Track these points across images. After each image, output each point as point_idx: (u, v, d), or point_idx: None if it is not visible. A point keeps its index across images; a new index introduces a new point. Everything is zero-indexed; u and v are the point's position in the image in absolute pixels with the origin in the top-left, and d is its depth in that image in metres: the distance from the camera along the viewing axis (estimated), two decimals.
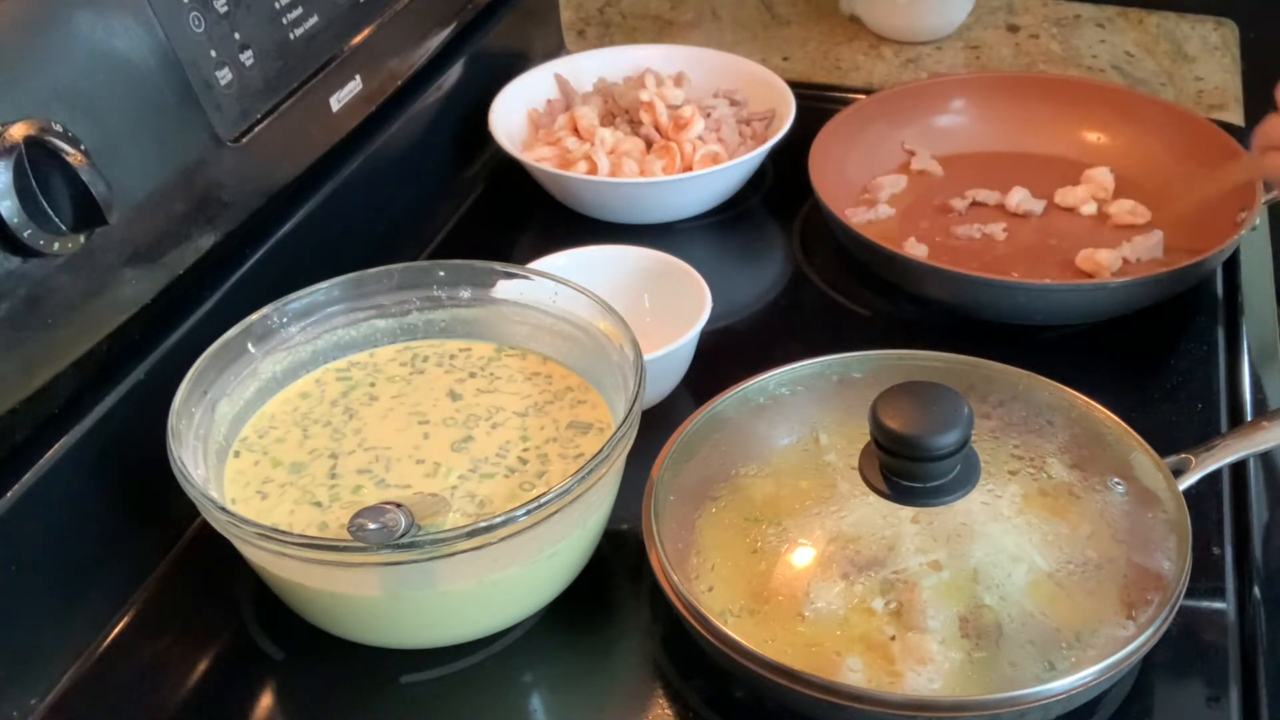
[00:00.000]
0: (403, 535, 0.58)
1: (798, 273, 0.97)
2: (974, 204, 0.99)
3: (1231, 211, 0.89)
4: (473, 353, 0.77)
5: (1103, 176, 0.99)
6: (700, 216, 1.02)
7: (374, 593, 0.63)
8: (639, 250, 0.88)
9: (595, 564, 0.70)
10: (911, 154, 1.04)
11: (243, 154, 0.77)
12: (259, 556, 0.64)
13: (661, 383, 0.80)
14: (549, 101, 1.10)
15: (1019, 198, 0.99)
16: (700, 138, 1.01)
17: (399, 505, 0.59)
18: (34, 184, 0.60)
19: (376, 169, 0.93)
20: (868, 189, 1.01)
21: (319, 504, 0.67)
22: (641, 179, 0.98)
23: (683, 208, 1.01)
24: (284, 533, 0.61)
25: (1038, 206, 0.98)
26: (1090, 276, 0.90)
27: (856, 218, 0.96)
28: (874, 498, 0.64)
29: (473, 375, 0.75)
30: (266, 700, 0.67)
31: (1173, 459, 0.68)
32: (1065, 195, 0.99)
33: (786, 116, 1.02)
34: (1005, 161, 1.03)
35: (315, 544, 0.60)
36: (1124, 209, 0.97)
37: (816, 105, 1.05)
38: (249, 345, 0.72)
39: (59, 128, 0.62)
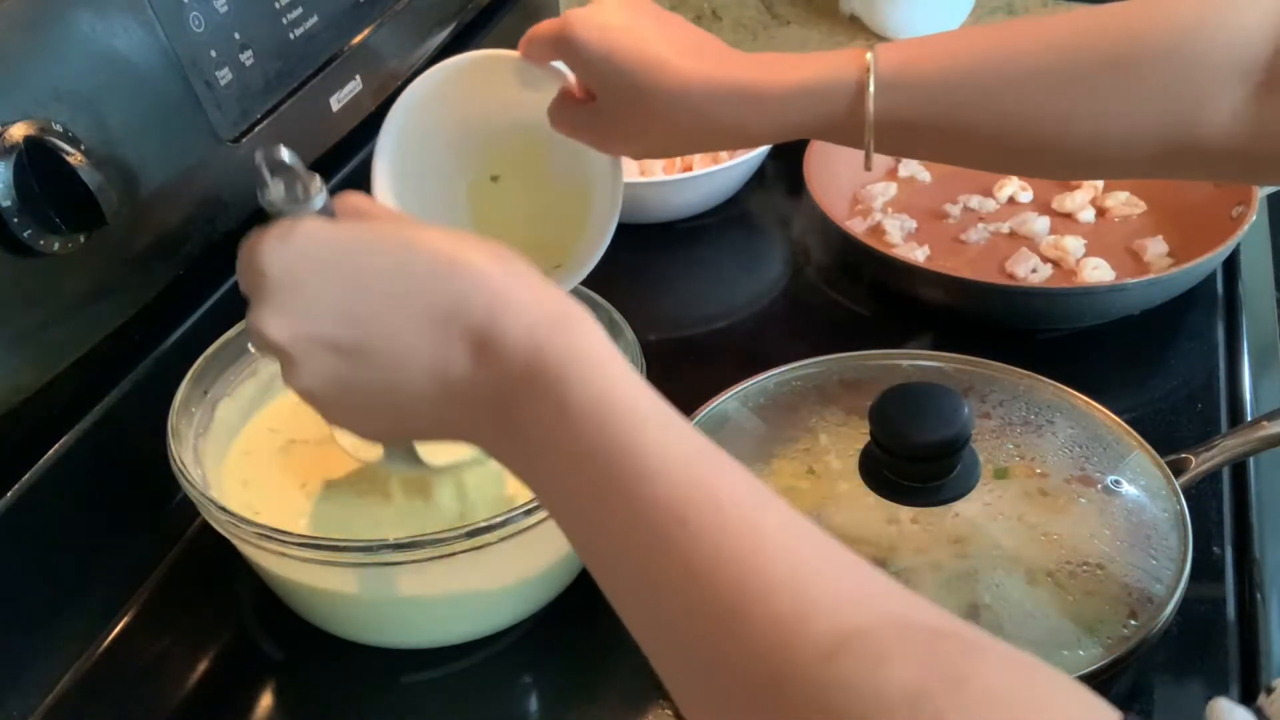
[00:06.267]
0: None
1: (798, 273, 0.97)
2: (966, 209, 0.99)
3: (1226, 207, 0.89)
4: None
5: None
6: (700, 216, 1.02)
7: (374, 593, 0.63)
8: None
9: None
10: (898, 160, 1.04)
11: (243, 154, 0.77)
12: (259, 556, 0.64)
13: None
14: None
15: (1011, 189, 1.00)
16: None
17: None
18: (34, 184, 0.60)
19: None
20: (859, 198, 1.01)
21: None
22: (641, 179, 0.98)
23: (683, 208, 1.01)
24: (284, 533, 0.60)
25: (1026, 197, 1.00)
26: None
27: (857, 227, 0.96)
28: (874, 498, 0.64)
29: None
30: (266, 700, 0.67)
31: (1173, 459, 0.68)
32: (1062, 202, 0.98)
33: None
34: None
35: (315, 544, 0.60)
36: (1119, 200, 0.98)
37: None
38: (249, 345, 0.72)
39: (59, 128, 0.62)
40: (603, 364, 0.42)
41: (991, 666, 0.34)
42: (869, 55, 0.62)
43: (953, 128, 0.62)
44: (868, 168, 0.65)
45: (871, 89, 0.61)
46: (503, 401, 0.43)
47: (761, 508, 0.39)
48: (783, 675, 0.35)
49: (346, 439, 0.65)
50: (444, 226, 0.47)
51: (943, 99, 0.61)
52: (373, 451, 0.59)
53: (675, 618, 0.38)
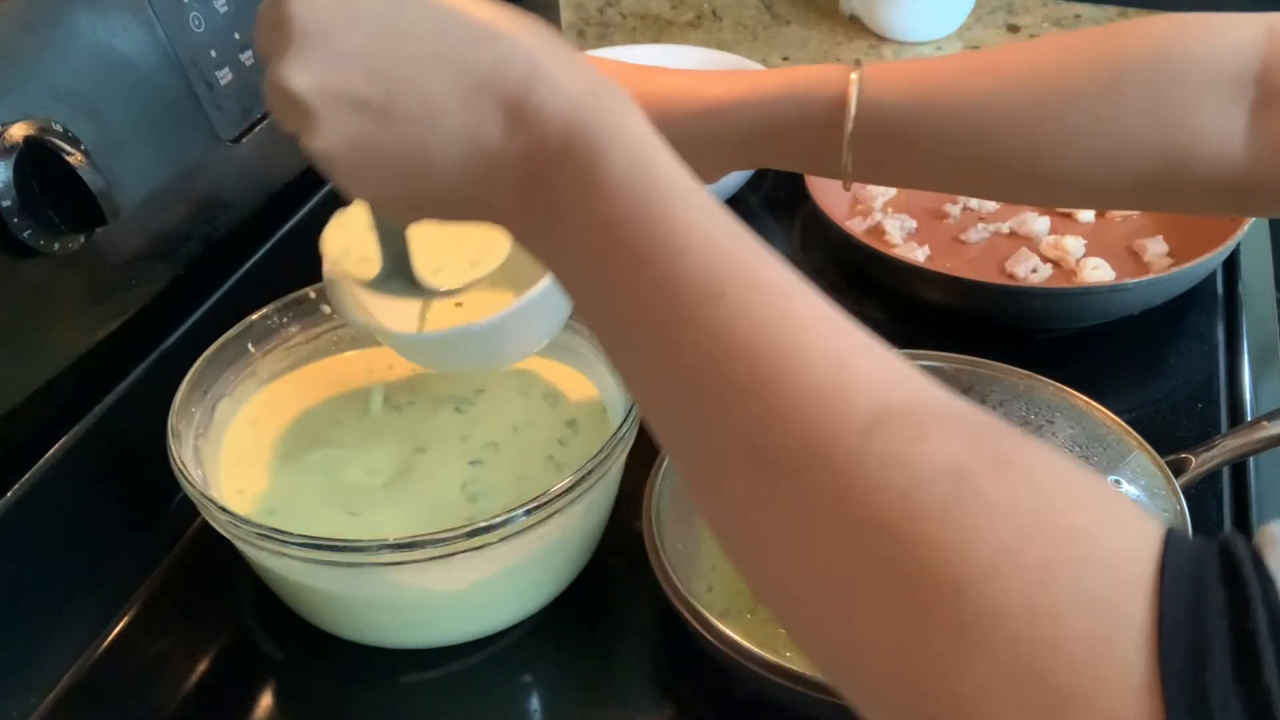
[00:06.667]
0: None
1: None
2: (966, 209, 0.99)
3: None
4: None
5: None
6: None
7: (374, 593, 0.63)
8: None
9: (595, 564, 0.70)
10: None
11: (243, 154, 0.77)
12: (259, 556, 0.64)
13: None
14: None
15: None
16: None
17: None
18: (34, 184, 0.60)
19: None
20: (859, 198, 1.01)
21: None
22: None
23: None
24: (284, 533, 0.60)
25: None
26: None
27: (857, 227, 0.96)
28: None
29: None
30: (266, 700, 0.67)
31: (1173, 459, 0.68)
32: None
33: None
34: None
35: (315, 544, 0.60)
36: None
37: None
38: (249, 345, 0.72)
39: (59, 128, 0.62)
40: (643, 139, 0.41)
41: (1034, 456, 0.33)
42: (854, 75, 0.60)
43: (932, 143, 0.60)
44: (846, 188, 0.64)
45: (855, 84, 0.60)
46: (534, 172, 0.41)
47: (801, 295, 0.37)
48: (817, 446, 0.34)
49: (334, 253, 0.63)
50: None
51: (921, 112, 0.60)
52: (365, 271, 0.56)
53: (705, 391, 0.36)
